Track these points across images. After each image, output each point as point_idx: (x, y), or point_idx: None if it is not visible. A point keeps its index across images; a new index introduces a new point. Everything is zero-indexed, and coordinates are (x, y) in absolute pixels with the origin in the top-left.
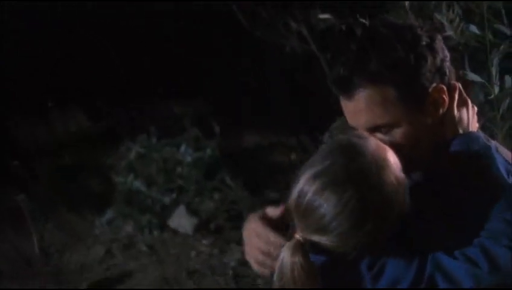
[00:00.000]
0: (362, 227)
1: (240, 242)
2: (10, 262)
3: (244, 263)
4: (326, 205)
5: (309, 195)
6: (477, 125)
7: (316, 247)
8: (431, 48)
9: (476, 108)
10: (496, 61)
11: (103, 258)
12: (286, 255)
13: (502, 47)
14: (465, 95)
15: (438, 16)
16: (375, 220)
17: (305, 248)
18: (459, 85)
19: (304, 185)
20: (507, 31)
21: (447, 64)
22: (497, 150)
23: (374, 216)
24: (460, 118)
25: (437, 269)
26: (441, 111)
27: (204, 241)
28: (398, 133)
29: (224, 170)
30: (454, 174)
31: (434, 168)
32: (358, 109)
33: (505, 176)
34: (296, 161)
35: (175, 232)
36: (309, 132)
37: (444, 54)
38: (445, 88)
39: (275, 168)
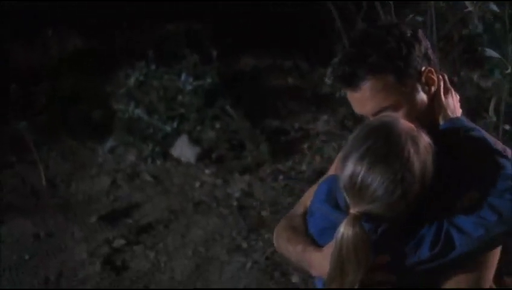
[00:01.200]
0: (408, 192)
1: (242, 172)
2: (18, 194)
3: (248, 193)
4: (379, 180)
5: (361, 174)
6: (460, 110)
7: (366, 217)
8: (416, 37)
9: (458, 96)
10: None
11: (109, 189)
12: (347, 229)
13: None
14: (448, 84)
15: None
16: (417, 185)
17: (361, 221)
18: (444, 76)
19: (355, 167)
20: None
21: (430, 51)
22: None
23: (416, 181)
24: (447, 103)
25: (451, 225)
26: (432, 89)
27: (207, 171)
28: (400, 113)
29: (224, 98)
30: (454, 148)
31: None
32: (364, 98)
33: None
34: (293, 85)
35: (178, 161)
36: (304, 55)
37: (426, 43)
38: (433, 70)
39: (272, 93)
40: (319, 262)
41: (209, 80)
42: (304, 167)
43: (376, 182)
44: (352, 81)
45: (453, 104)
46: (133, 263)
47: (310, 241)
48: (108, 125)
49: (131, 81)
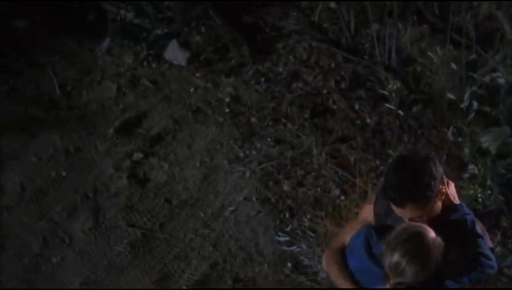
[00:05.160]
0: (429, 273)
1: (227, 75)
2: (38, 105)
3: (236, 98)
4: (414, 270)
5: (403, 265)
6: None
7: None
8: (438, 170)
9: (453, 183)
10: None
11: (116, 97)
12: None
13: None
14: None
15: None
16: (432, 269)
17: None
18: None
19: (399, 259)
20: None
21: (443, 173)
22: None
23: (432, 268)
24: (450, 193)
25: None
26: (443, 197)
27: (197, 74)
28: (425, 218)
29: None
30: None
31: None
32: (404, 212)
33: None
34: None
35: (170, 64)
36: None
37: (441, 169)
38: (444, 185)
39: None
40: None
41: None
42: (280, 68)
43: (412, 270)
44: (400, 204)
45: (454, 191)
46: (152, 175)
47: (353, 280)
48: (103, 25)
49: None
